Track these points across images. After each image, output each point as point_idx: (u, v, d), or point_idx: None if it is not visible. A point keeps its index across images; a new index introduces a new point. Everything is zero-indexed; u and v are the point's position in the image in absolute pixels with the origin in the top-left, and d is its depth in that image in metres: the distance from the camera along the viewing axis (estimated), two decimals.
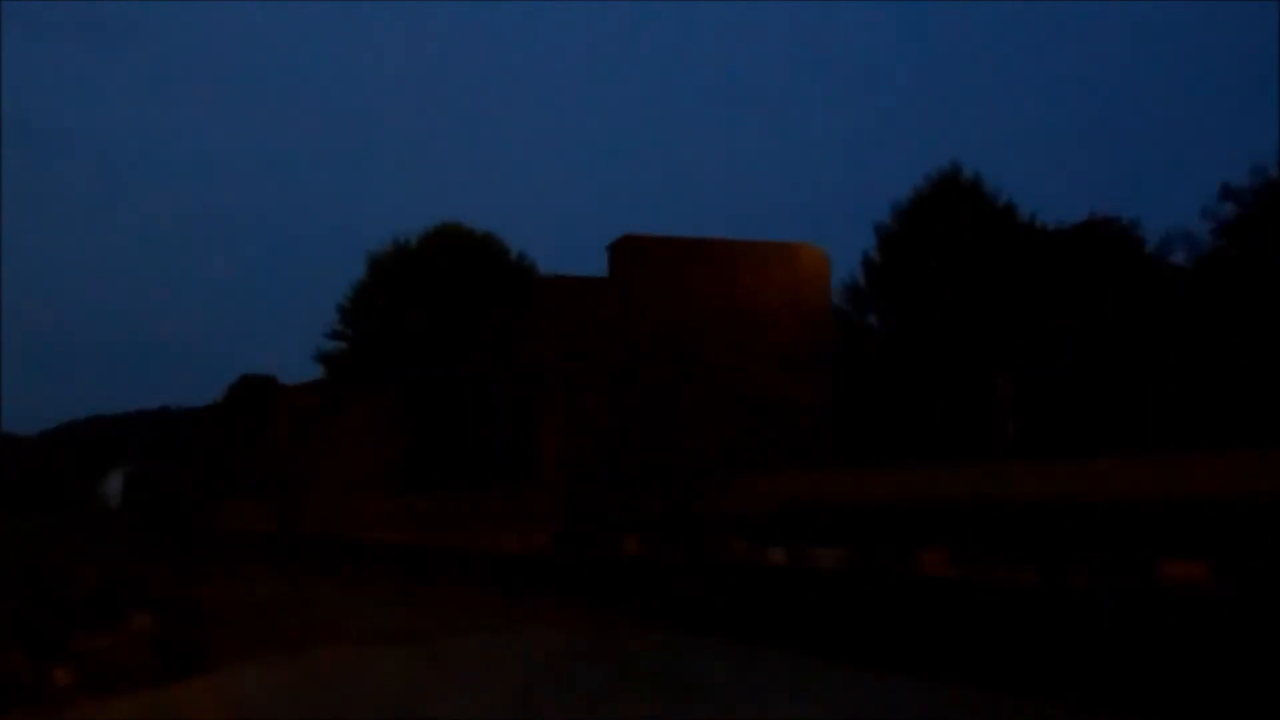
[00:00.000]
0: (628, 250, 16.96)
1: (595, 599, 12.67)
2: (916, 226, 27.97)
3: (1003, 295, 23.77)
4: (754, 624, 9.76)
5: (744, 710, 6.29)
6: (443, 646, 9.09)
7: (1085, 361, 21.78)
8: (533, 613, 11.59)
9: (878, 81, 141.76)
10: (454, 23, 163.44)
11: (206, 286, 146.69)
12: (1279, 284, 19.59)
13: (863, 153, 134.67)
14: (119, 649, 8.09)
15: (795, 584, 10.31)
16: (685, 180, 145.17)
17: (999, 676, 6.91)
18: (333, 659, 8.64)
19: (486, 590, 14.62)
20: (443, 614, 11.55)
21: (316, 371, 39.39)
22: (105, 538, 32.77)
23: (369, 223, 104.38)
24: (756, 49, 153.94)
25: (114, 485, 47.70)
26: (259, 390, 42.00)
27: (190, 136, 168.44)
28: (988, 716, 6.18)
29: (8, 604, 8.38)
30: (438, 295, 35.80)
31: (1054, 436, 19.91)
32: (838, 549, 10.17)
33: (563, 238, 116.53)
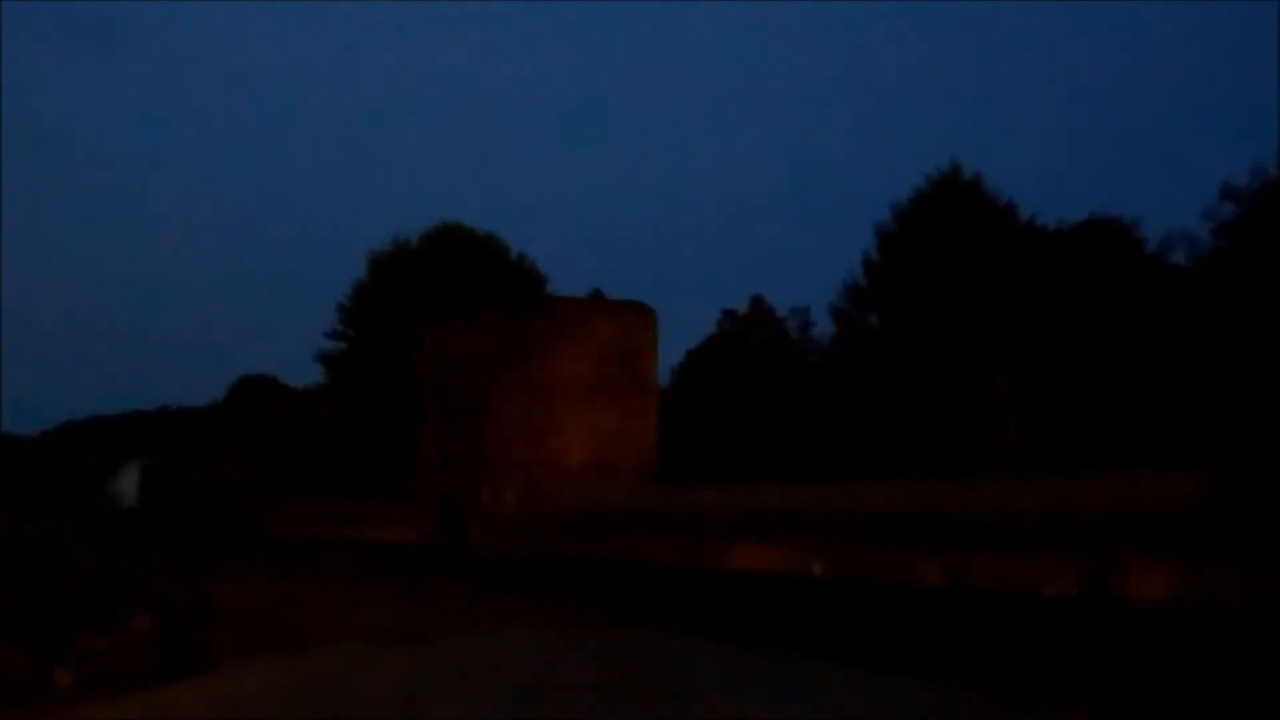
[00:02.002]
0: None
1: None
2: (916, 226, 27.95)
3: (1003, 295, 23.74)
4: None
5: None
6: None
7: (1085, 361, 21.76)
8: None
9: (877, 80, 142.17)
10: (455, 22, 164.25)
11: (207, 286, 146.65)
12: (1279, 284, 19.56)
13: (863, 152, 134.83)
14: (120, 649, 8.07)
15: None
16: (685, 180, 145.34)
17: None
18: (333, 659, 8.62)
19: None
20: None
21: (317, 372, 39.21)
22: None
23: (370, 222, 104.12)
24: (757, 48, 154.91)
25: (127, 482, 43.53)
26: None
27: (191, 136, 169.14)
28: None
29: (9, 604, 8.36)
30: (438, 295, 35.71)
31: (1053, 438, 19.87)
32: None
33: (563, 237, 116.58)
